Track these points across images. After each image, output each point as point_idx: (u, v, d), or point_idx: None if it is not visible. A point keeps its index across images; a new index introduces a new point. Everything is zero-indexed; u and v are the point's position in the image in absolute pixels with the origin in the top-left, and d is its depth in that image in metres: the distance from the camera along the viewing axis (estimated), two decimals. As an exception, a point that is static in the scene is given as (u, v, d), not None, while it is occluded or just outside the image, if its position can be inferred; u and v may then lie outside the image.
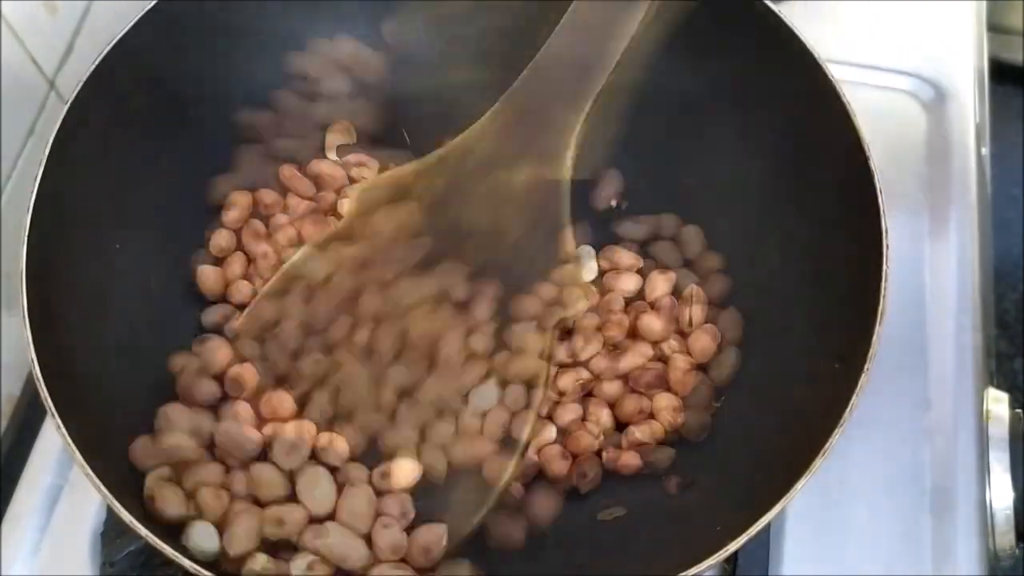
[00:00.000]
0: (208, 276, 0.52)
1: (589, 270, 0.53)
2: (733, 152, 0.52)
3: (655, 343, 0.51)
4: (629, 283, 0.52)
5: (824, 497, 0.50)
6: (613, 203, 0.55)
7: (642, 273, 0.53)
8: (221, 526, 0.44)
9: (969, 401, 0.53)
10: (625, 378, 0.50)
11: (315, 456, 0.47)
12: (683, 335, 0.51)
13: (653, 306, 0.51)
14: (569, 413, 0.49)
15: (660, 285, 0.52)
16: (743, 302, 0.51)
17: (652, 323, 0.50)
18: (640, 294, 0.52)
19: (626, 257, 0.53)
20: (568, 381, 0.49)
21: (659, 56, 0.52)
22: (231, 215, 0.53)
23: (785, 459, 0.41)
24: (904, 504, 0.51)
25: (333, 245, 0.50)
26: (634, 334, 0.51)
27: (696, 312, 0.51)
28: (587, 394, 0.50)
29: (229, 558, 0.43)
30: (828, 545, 0.50)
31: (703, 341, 0.50)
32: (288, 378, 0.48)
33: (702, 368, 0.50)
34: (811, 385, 0.45)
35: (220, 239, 0.53)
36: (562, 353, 0.50)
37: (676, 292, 0.52)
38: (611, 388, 0.50)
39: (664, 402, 0.49)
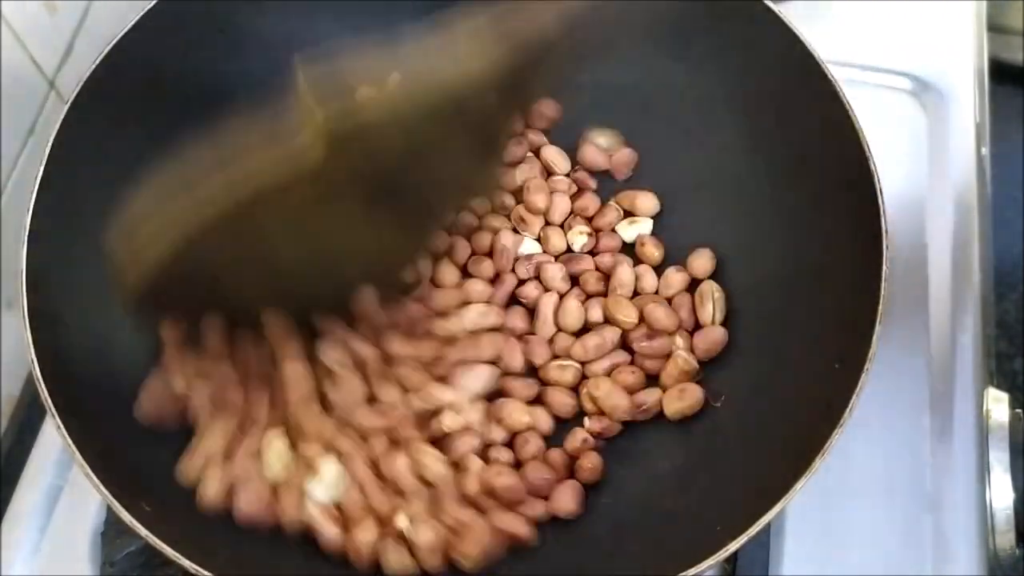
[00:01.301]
0: None
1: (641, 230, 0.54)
2: (732, 152, 0.52)
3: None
4: (647, 278, 0.52)
5: (824, 497, 0.50)
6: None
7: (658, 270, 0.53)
8: None
9: (969, 401, 0.53)
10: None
11: None
12: (690, 332, 0.51)
13: (669, 301, 0.51)
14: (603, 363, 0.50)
15: (674, 282, 0.52)
16: (743, 302, 0.51)
17: (656, 312, 0.50)
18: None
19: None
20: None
21: (659, 56, 0.52)
22: None
23: (785, 459, 0.41)
24: (904, 504, 0.51)
25: None
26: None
27: (718, 309, 0.50)
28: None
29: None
30: (828, 545, 0.50)
31: (709, 340, 0.50)
32: None
33: (703, 366, 0.50)
34: (811, 385, 0.45)
35: None
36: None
37: (692, 289, 0.52)
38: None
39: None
